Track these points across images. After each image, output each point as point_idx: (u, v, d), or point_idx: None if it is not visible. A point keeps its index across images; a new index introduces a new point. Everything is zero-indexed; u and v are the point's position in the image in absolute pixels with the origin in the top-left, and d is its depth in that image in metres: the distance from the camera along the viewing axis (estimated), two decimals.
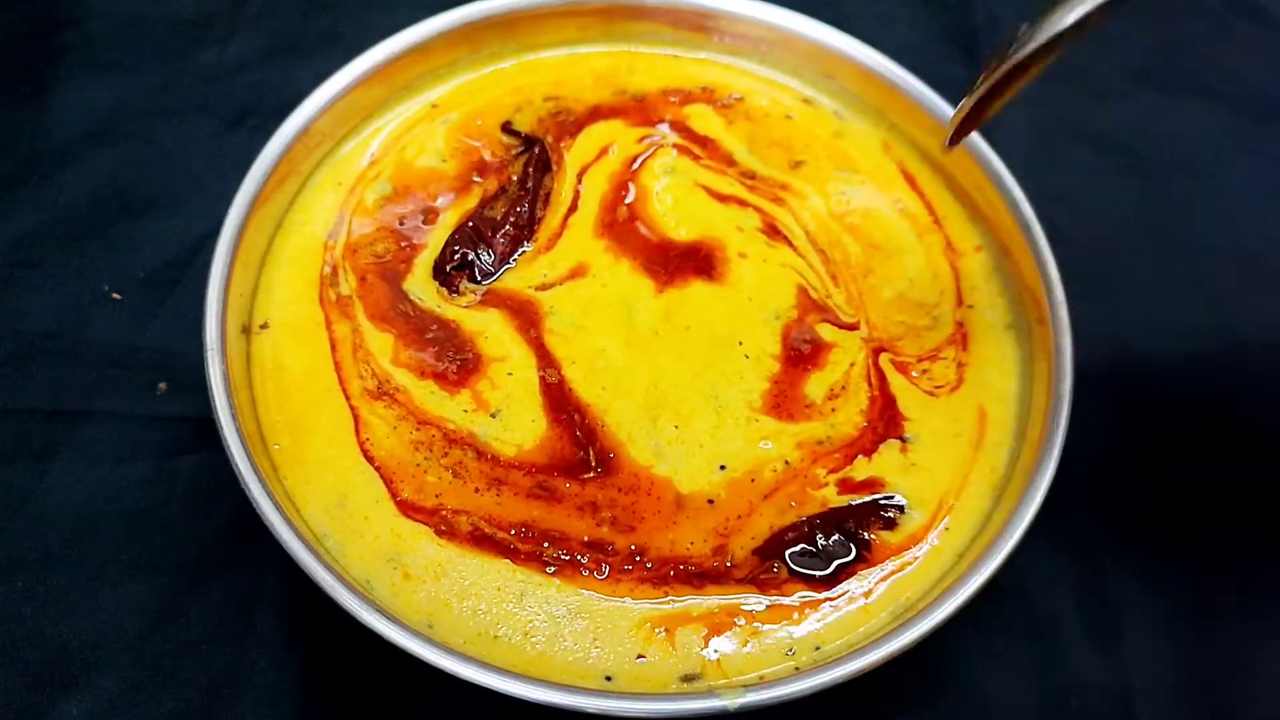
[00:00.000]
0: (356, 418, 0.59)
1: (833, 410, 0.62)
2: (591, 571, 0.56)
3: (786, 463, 0.60)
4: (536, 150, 0.71)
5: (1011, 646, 0.64)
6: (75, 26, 0.88)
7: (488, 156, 0.71)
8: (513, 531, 0.56)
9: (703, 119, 0.74)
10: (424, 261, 0.66)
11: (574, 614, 0.54)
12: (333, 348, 0.62)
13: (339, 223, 0.67)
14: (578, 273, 0.66)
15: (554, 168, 0.71)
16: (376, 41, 0.71)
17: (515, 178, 0.70)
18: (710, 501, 0.58)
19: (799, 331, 0.65)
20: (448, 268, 0.65)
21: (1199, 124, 0.90)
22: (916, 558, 0.58)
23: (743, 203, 0.70)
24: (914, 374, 0.64)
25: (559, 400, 0.61)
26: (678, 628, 0.54)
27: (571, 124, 0.73)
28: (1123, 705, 0.63)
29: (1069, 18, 0.49)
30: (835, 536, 0.57)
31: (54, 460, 0.67)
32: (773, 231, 0.69)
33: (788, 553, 0.57)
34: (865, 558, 0.57)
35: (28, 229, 0.76)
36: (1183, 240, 0.84)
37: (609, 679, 0.53)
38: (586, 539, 0.56)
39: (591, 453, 0.59)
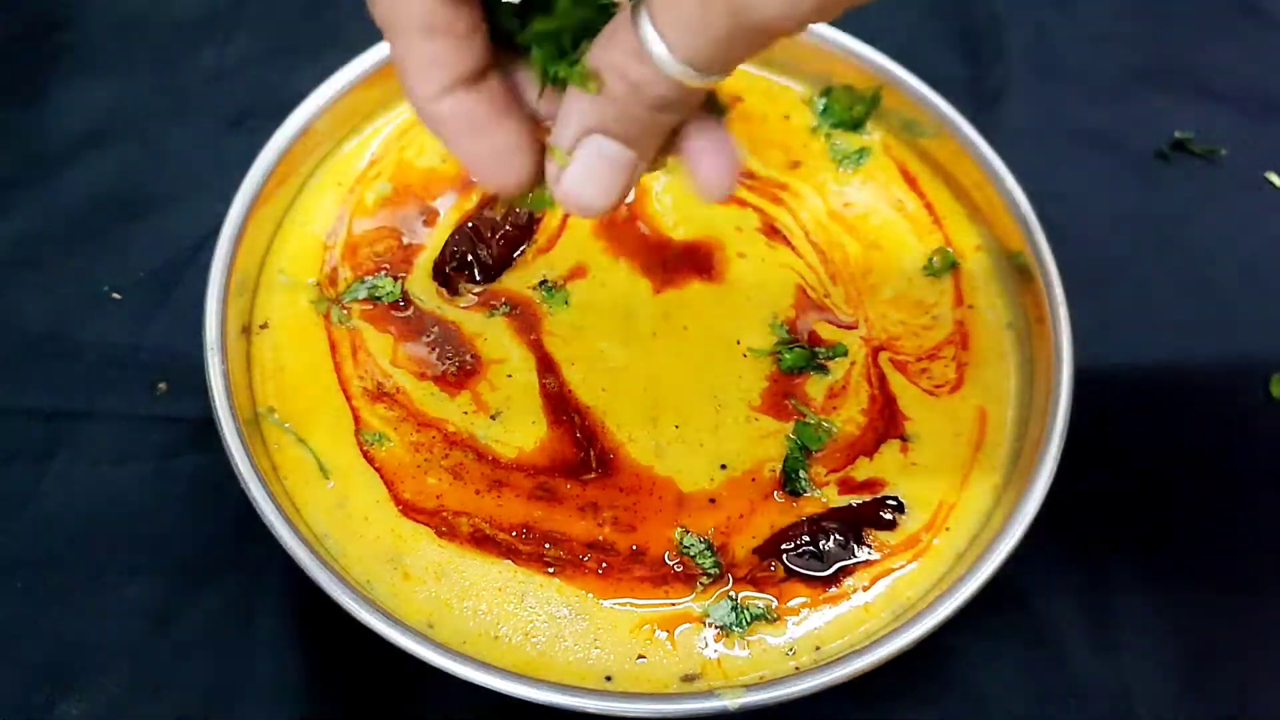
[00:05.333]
0: (357, 418, 0.59)
1: (833, 409, 0.62)
2: (592, 571, 0.56)
3: None
4: None
5: (1011, 647, 0.64)
6: (74, 27, 0.88)
7: None
8: (514, 533, 0.56)
9: None
10: (423, 262, 0.66)
11: (575, 614, 0.54)
12: (332, 348, 0.62)
13: (339, 223, 0.67)
14: (576, 273, 0.66)
15: None
16: (376, 41, 0.70)
17: None
18: (711, 501, 0.58)
19: (797, 331, 0.65)
20: (447, 268, 0.65)
21: (1199, 124, 0.90)
22: (916, 558, 0.58)
23: (741, 202, 0.70)
24: (914, 373, 0.64)
25: (559, 402, 0.61)
26: (678, 628, 0.54)
27: None
28: (1123, 705, 0.63)
29: None
30: (836, 537, 0.57)
31: (54, 460, 0.66)
32: (771, 231, 0.69)
33: (787, 553, 0.57)
34: (865, 558, 0.57)
35: (28, 229, 0.76)
36: (1183, 240, 0.83)
37: (609, 679, 0.53)
38: (587, 539, 0.56)
39: (592, 454, 0.59)
